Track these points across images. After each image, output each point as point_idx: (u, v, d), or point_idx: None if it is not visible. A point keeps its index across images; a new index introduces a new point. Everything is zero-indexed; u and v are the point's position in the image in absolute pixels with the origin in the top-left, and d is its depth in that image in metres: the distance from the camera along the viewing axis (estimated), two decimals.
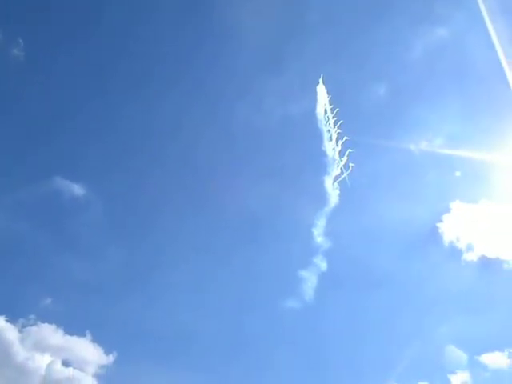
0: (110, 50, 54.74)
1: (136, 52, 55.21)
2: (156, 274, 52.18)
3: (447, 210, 46.86)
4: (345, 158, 46.07)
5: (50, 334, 45.73)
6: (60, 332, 45.80)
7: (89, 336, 46.10)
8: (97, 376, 45.26)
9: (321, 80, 47.84)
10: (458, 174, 48.31)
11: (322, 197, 47.36)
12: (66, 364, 45.13)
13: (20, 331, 45.23)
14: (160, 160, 53.96)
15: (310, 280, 47.59)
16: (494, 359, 43.98)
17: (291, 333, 49.18)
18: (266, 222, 53.70)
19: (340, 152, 46.40)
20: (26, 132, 53.22)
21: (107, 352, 45.94)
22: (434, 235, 47.09)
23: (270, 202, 53.07)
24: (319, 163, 47.84)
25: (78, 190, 50.65)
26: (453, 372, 44.38)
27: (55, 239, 50.39)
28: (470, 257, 45.90)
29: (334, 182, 46.75)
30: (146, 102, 54.27)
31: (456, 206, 46.45)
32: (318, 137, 47.86)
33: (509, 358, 43.58)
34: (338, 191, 46.60)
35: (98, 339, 45.93)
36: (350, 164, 45.41)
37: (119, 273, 51.11)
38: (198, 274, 51.70)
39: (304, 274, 47.83)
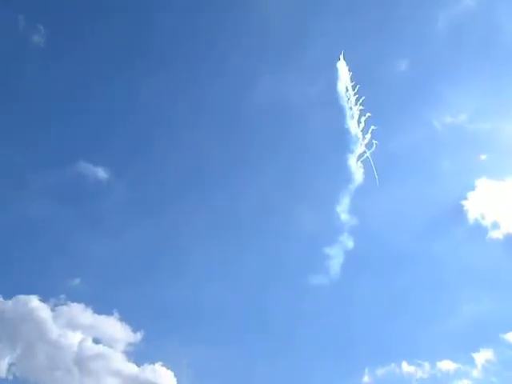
0: (131, 34, 55.18)
1: (158, 35, 55.51)
2: (180, 252, 53.32)
3: (472, 188, 46.12)
4: (368, 136, 45.54)
5: (80, 312, 47.42)
6: (89, 311, 47.44)
7: (116, 315, 47.59)
8: (126, 353, 46.88)
9: (341, 56, 47.12)
10: (483, 150, 47.29)
11: (345, 175, 47.13)
12: (96, 341, 46.82)
13: (52, 310, 47.09)
14: (182, 142, 54.59)
15: (336, 257, 47.75)
16: None
17: (316, 309, 49.56)
18: (290, 199, 53.72)
19: (363, 129, 45.87)
20: (50, 117, 54.59)
21: (135, 330, 47.35)
22: (458, 213, 46.55)
23: (292, 179, 53.22)
24: (342, 141, 47.45)
25: (101, 173, 51.94)
26: (476, 350, 44.37)
27: (81, 221, 51.85)
28: (496, 235, 45.37)
29: (358, 160, 46.28)
30: (169, 85, 54.73)
31: (482, 183, 45.67)
32: (340, 114, 47.40)
33: None
34: (362, 169, 46.16)
35: (125, 318, 47.37)
36: (374, 141, 44.87)
37: (144, 253, 52.32)
38: (223, 251, 52.76)
39: (330, 251, 48.02)
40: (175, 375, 45.44)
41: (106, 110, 54.98)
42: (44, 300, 46.74)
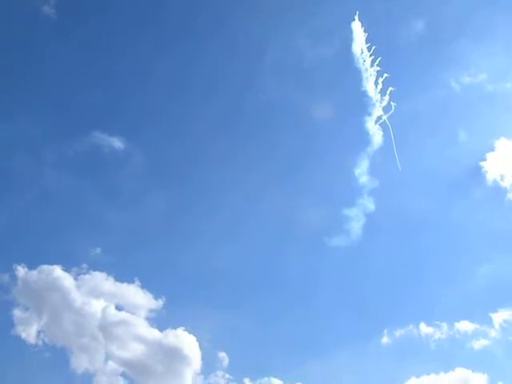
0: (145, 5, 54.31)
1: (172, 3, 54.50)
2: (198, 218, 53.89)
3: (491, 149, 45.58)
4: (386, 97, 44.73)
5: (102, 281, 48.41)
6: (111, 279, 48.37)
7: (138, 283, 48.50)
8: (148, 319, 47.94)
9: (356, 17, 45.88)
10: (503, 110, 46.49)
11: (363, 138, 46.55)
12: (119, 308, 47.91)
13: (75, 279, 48.09)
14: (197, 109, 54.22)
15: (356, 219, 47.73)
16: None
17: (336, 270, 50.35)
18: (307, 161, 53.78)
19: (381, 91, 45.01)
20: (65, 89, 54.30)
21: (156, 297, 48.32)
22: (477, 174, 46.20)
23: (310, 142, 52.92)
24: (359, 104, 46.70)
25: (117, 143, 52.00)
26: (495, 310, 44.74)
27: (99, 191, 52.53)
28: None
29: (376, 122, 45.59)
30: (183, 53, 54.21)
31: (501, 143, 45.03)
32: (356, 76, 46.52)
33: None
34: (380, 132, 45.49)
35: (146, 285, 48.29)
36: (392, 103, 44.08)
37: (162, 221, 53.02)
38: (240, 216, 53.34)
39: (349, 212, 48.00)
40: (197, 339, 46.58)
41: (120, 79, 55.10)
42: (67, 270, 47.94)
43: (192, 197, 53.82)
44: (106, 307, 47.34)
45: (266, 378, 45.24)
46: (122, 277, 48.08)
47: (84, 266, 48.31)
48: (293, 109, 52.56)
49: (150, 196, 52.59)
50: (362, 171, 46.41)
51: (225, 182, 53.75)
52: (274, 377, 44.92)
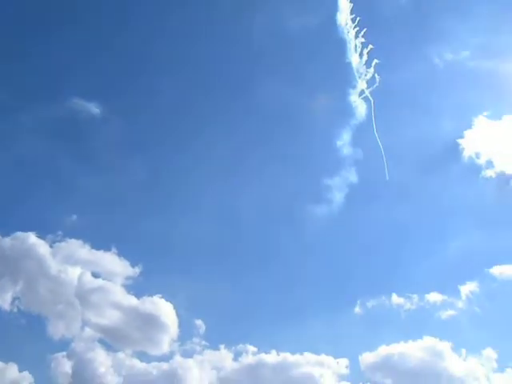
0: None
1: None
2: (176, 186, 53.79)
3: (469, 126, 46.34)
4: (371, 70, 44.44)
5: (78, 248, 48.02)
6: (87, 247, 48.02)
7: (114, 250, 48.26)
8: (125, 286, 48.01)
9: None
10: (483, 88, 47.07)
11: (347, 110, 46.20)
12: (95, 275, 47.67)
13: (51, 246, 47.51)
14: (176, 75, 52.94)
15: (337, 189, 48.11)
16: (503, 271, 45.82)
17: (315, 240, 51.40)
18: (289, 131, 53.54)
19: (365, 63, 44.65)
20: (40, 53, 52.20)
21: (133, 264, 48.23)
22: (454, 151, 46.98)
23: (292, 113, 52.58)
24: (343, 75, 46.31)
25: (94, 109, 50.65)
26: (463, 283, 46.63)
27: (76, 157, 51.42)
28: (489, 173, 46.13)
29: (360, 95, 45.43)
30: (160, 13, 52.23)
31: (479, 121, 45.81)
32: (340, 48, 45.95)
33: None
34: (364, 105, 45.38)
35: (123, 253, 48.07)
36: (377, 76, 43.85)
37: (140, 189, 52.53)
38: (221, 184, 53.21)
39: (331, 182, 48.45)
40: (174, 307, 46.99)
41: (97, 44, 52.88)
42: (42, 237, 47.24)
43: (171, 164, 53.38)
44: (82, 274, 47.13)
45: (241, 345, 46.46)
46: (98, 244, 47.93)
47: (59, 233, 47.89)
48: (275, 78, 52.02)
49: (127, 163, 51.96)
50: (344, 142, 46.55)
51: (202, 149, 53.20)
52: (250, 344, 46.19)
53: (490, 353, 43.46)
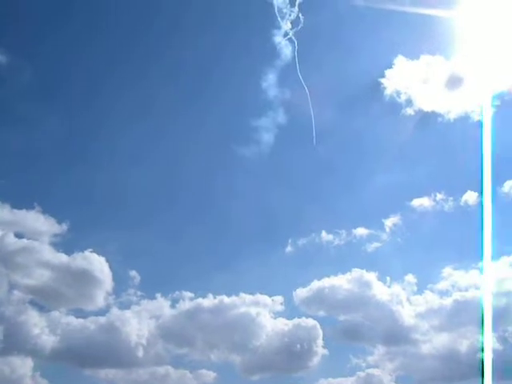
0: None
1: None
2: (97, 140, 51.29)
3: (390, 66, 47.37)
4: (295, 9, 43.63)
5: None
6: (7, 207, 45.16)
7: (38, 208, 46.05)
8: (53, 244, 46.28)
9: None
10: (402, 28, 47.85)
11: (272, 52, 45.33)
12: (18, 236, 45.41)
13: None
14: (98, 20, 48.79)
15: (266, 130, 47.79)
16: (422, 203, 49.04)
17: (243, 181, 51.69)
18: (213, 73, 51.68)
19: (289, 2, 43.70)
20: None
21: (59, 221, 46.40)
22: (376, 90, 48.00)
23: (214, 54, 50.77)
24: (267, 16, 45.05)
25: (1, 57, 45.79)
26: (386, 216, 49.26)
27: None
28: (409, 111, 47.76)
29: (285, 36, 44.72)
30: None
31: (399, 61, 46.85)
32: None
33: (434, 201, 48.93)
34: (289, 46, 44.84)
35: (47, 210, 46.04)
36: (301, 16, 43.16)
37: (58, 142, 49.66)
38: (146, 134, 51.47)
39: (259, 123, 48.01)
40: (107, 260, 46.22)
41: None
42: None
43: (91, 118, 50.36)
44: (3, 236, 44.71)
45: (177, 292, 47.07)
46: (19, 203, 45.35)
47: None
48: (198, 19, 49.59)
49: (44, 116, 47.94)
50: (270, 84, 46.17)
51: (128, 103, 50.57)
52: (186, 290, 46.90)
53: (410, 278, 47.22)
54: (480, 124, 43.98)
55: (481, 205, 45.49)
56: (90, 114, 50.13)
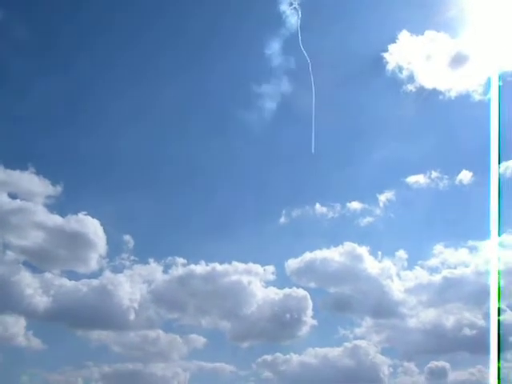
0: None
1: None
2: (93, 99, 50.25)
3: (393, 40, 46.87)
4: None
5: None
6: (0, 167, 44.56)
7: (32, 169, 45.70)
8: (47, 205, 46.12)
9: None
10: (407, 3, 47.22)
11: (276, 19, 44.41)
12: (12, 197, 45.14)
13: None
14: None
15: (269, 98, 47.36)
16: (417, 180, 49.28)
17: (242, 148, 51.27)
18: (214, 39, 50.36)
19: None
20: None
21: (54, 183, 46.17)
22: (378, 64, 47.55)
23: (218, 26, 49.82)
24: None
25: None
26: (381, 192, 49.51)
27: None
28: (410, 88, 47.52)
29: (290, 5, 43.88)
30: None
31: (403, 36, 46.32)
32: None
33: (429, 178, 49.23)
34: (294, 15, 44.04)
35: (42, 171, 45.71)
36: None
37: (53, 102, 48.53)
38: (145, 97, 50.27)
39: (261, 90, 47.59)
40: (101, 224, 46.30)
41: None
42: None
43: (86, 77, 49.25)
44: None
45: (170, 258, 47.37)
46: (13, 164, 44.81)
47: None
48: None
49: (38, 77, 46.98)
50: (274, 52, 45.52)
51: (128, 65, 49.82)
52: (179, 256, 47.18)
53: (401, 254, 47.91)
54: (482, 103, 44.27)
55: (477, 184, 46.34)
56: (86, 72, 49.10)
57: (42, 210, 45.42)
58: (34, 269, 44.93)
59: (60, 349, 43.67)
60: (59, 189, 46.03)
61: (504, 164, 45.17)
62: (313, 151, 40.50)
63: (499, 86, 27.64)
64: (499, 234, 17.96)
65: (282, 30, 43.17)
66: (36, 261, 45.73)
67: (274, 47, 44.36)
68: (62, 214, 45.84)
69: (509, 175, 45.35)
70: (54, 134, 47.99)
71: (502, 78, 33.31)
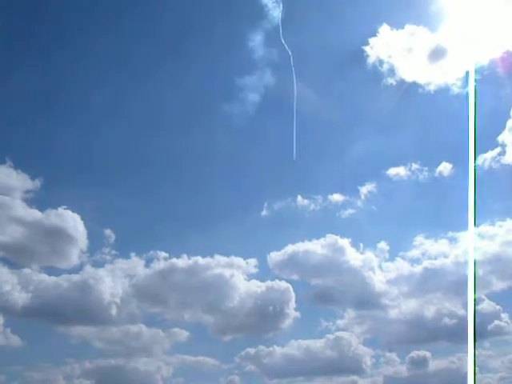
0: None
1: None
2: (71, 92, 49.80)
3: (374, 34, 47.03)
4: None
5: None
6: None
7: (10, 163, 44.69)
8: (25, 200, 45.31)
9: None
10: None
11: (258, 12, 44.35)
12: None
13: None
14: None
15: (251, 90, 47.55)
16: (398, 172, 49.67)
17: (224, 142, 51.19)
18: (195, 33, 50.31)
19: None
20: None
21: (33, 177, 45.37)
22: (359, 58, 47.67)
23: (197, 11, 49.48)
24: None
25: None
26: (362, 184, 49.99)
27: None
28: (390, 81, 47.83)
29: None
30: None
31: (383, 29, 46.54)
32: None
33: (409, 171, 49.67)
34: (276, 8, 43.90)
35: (20, 166, 44.73)
36: None
37: (30, 95, 48.06)
38: (125, 90, 50.03)
39: (243, 82, 47.79)
40: (82, 218, 45.78)
41: None
42: None
43: (67, 70, 48.74)
44: None
45: (152, 252, 47.14)
46: None
47: None
48: None
49: (14, 69, 46.42)
50: (257, 44, 45.46)
51: (107, 57, 49.60)
52: (160, 250, 46.94)
53: (383, 245, 48.37)
54: (461, 96, 44.75)
55: (457, 176, 46.89)
56: (63, 65, 48.51)
57: (21, 205, 44.77)
58: (13, 265, 44.49)
59: (39, 346, 43.52)
60: (38, 183, 45.44)
61: (482, 156, 46.06)
62: (294, 158, 41.04)
63: (476, 80, 27.96)
64: (476, 225, 18.21)
65: (265, 22, 43.23)
66: (14, 256, 45.25)
67: (257, 39, 44.41)
68: (41, 209, 45.36)
69: (486, 167, 46.24)
70: (32, 127, 47.50)
71: (478, 71, 33.97)
